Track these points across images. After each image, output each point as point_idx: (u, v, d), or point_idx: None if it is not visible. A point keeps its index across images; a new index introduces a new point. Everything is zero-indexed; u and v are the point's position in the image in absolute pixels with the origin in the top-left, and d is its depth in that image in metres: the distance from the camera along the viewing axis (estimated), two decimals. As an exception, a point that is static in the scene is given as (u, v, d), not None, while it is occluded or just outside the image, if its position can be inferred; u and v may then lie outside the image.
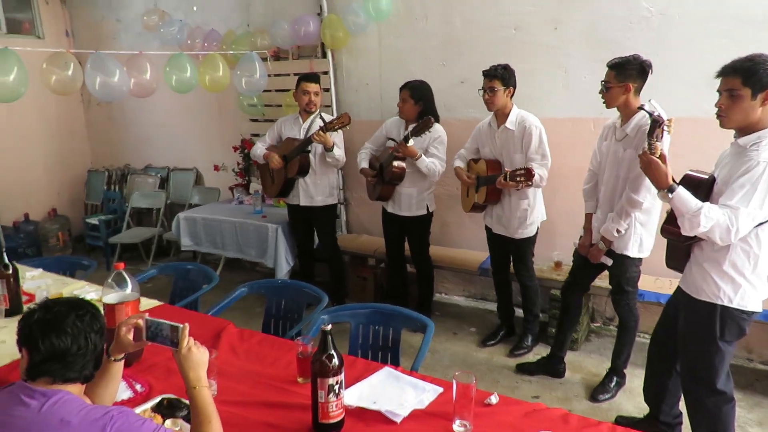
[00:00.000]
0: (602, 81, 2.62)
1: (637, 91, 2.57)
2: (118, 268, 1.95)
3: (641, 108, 2.33)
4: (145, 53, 3.45)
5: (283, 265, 4.09)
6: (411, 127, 3.40)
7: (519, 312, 3.62)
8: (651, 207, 2.63)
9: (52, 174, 6.04)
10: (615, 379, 2.98)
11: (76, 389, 1.31)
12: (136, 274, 2.24)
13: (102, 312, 1.45)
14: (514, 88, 3.12)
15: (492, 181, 3.10)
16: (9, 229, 5.42)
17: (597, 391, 2.97)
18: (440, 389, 1.73)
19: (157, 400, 1.64)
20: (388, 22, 4.12)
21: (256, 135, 5.02)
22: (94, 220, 5.45)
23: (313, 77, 3.79)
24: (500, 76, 3.04)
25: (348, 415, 1.57)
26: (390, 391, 1.74)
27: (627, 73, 2.53)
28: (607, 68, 2.60)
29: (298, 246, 4.11)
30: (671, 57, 3.15)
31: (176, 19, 4.97)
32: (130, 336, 1.54)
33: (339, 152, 3.72)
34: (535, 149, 3.07)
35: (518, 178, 2.88)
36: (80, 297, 1.40)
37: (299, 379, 1.81)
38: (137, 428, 1.23)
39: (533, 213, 3.23)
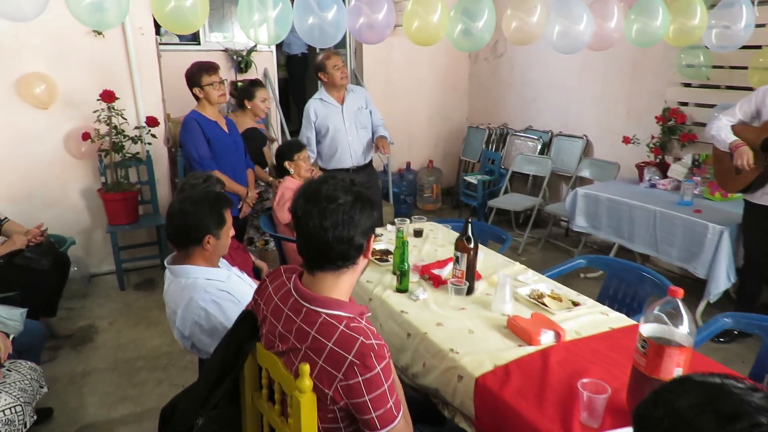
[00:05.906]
0: None
1: None
2: (675, 295, 1.36)
3: None
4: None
5: (721, 279, 3.11)
6: None
7: None
8: None
9: (432, 126, 6.18)
10: None
11: None
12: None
13: None
14: None
15: None
16: (395, 175, 5.73)
17: None
18: None
19: None
20: None
21: (684, 104, 4.01)
22: (472, 179, 5.30)
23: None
24: None
25: None
26: None
27: None
28: None
29: (748, 260, 3.07)
30: None
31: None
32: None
33: None
34: None
35: None
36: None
37: None
38: None
39: None
